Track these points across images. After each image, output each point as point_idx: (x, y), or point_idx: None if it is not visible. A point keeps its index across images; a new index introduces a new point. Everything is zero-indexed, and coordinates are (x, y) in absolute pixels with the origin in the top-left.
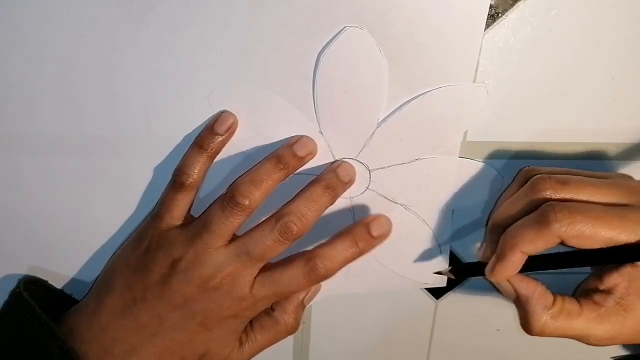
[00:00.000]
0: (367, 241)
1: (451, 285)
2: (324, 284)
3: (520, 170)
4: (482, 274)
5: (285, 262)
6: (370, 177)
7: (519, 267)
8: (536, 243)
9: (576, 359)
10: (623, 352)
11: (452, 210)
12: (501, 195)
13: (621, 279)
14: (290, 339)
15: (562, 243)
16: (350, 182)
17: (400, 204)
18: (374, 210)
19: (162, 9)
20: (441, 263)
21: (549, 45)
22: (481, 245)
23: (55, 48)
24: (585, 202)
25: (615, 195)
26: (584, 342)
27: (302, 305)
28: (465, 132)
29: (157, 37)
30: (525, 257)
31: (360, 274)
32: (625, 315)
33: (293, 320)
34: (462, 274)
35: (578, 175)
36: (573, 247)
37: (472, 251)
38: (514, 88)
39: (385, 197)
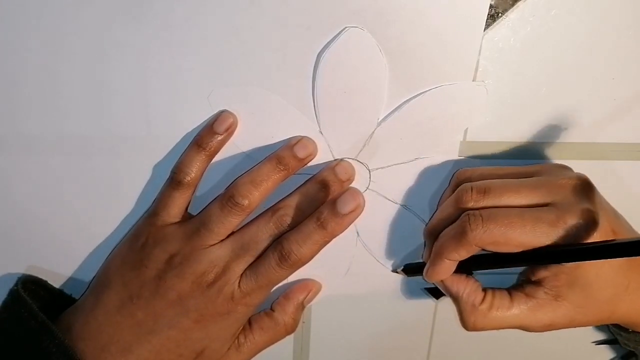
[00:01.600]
0: (335, 221)
1: None
2: (324, 284)
3: (454, 173)
4: None
5: (262, 254)
6: (370, 177)
7: (450, 272)
8: (459, 251)
9: (576, 359)
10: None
11: None
12: (441, 197)
13: (547, 272)
14: (290, 339)
15: (483, 249)
16: (348, 181)
17: (400, 204)
18: (375, 210)
19: (162, 8)
20: None
21: (549, 45)
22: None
23: (53, 46)
24: (507, 206)
25: (537, 196)
26: (523, 330)
27: (301, 306)
28: (465, 132)
29: (157, 36)
30: (454, 263)
31: (360, 273)
32: (558, 305)
33: (292, 321)
34: (412, 273)
35: (506, 174)
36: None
37: None
38: (514, 88)
39: (385, 197)
